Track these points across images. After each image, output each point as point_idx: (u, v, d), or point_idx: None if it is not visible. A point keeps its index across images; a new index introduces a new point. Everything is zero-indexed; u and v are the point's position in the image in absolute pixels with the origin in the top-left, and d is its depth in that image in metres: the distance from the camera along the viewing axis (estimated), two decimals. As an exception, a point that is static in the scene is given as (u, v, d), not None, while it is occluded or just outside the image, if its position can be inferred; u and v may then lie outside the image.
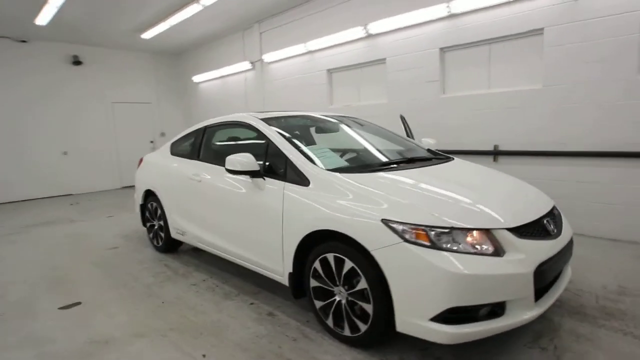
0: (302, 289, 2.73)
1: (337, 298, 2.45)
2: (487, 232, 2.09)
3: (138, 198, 4.76)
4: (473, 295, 1.98)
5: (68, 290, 3.50)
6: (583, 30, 4.22)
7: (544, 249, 2.21)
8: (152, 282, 3.60)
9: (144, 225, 4.76)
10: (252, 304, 3.09)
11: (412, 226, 2.08)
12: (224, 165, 2.96)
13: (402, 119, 4.50)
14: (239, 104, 9.12)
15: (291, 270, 2.70)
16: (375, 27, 5.97)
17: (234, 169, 2.87)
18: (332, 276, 2.44)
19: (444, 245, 2.03)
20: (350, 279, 2.34)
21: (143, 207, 4.70)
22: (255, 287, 3.38)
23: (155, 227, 4.46)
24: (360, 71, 6.60)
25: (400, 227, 2.09)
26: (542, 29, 4.51)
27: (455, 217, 2.12)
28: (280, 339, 2.55)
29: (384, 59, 6.10)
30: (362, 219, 2.23)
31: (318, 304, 2.57)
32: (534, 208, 2.45)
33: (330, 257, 2.41)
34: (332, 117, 3.75)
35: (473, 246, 2.05)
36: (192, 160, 3.84)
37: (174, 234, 4.12)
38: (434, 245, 2.03)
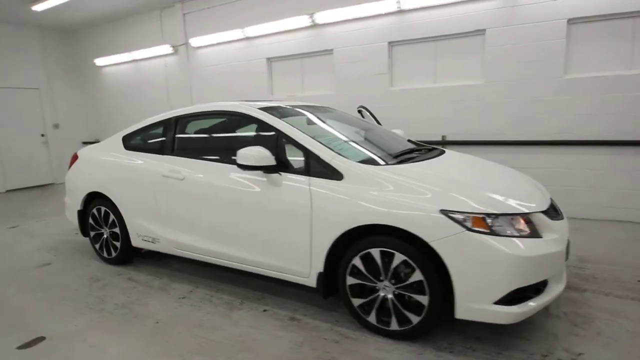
0: (330, 289, 2.61)
1: (382, 293, 2.40)
2: (527, 216, 2.26)
3: (74, 203, 3.98)
4: (532, 275, 2.13)
5: (16, 324, 2.77)
6: (519, 33, 4.79)
7: (564, 227, 2.48)
8: (126, 301, 3.06)
9: (85, 234, 4.00)
10: (265, 310, 2.84)
11: (471, 215, 2.14)
12: (218, 161, 2.72)
13: (365, 109, 4.56)
14: (159, 92, 8.20)
15: (321, 270, 2.55)
16: (322, 16, 5.91)
17: (247, 164, 2.59)
18: (376, 272, 2.38)
19: (499, 231, 2.13)
20: (399, 273, 2.31)
21: (82, 213, 3.94)
22: (256, 292, 3.12)
23: (105, 235, 3.79)
24: (304, 61, 6.47)
25: (460, 217, 2.14)
26: (484, 30, 5.00)
27: (497, 204, 2.23)
28: (322, 344, 2.40)
29: (332, 49, 6.09)
30: (417, 212, 2.21)
31: (356, 301, 2.49)
32: (544, 192, 2.73)
33: (376, 252, 2.35)
34: (310, 106, 3.56)
35: (518, 230, 2.20)
36: (164, 156, 3.33)
37: (136, 242, 3.56)
38: (493, 232, 2.12)
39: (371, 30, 5.72)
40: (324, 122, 3.28)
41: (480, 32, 5.04)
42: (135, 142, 3.67)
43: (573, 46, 4.60)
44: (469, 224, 2.12)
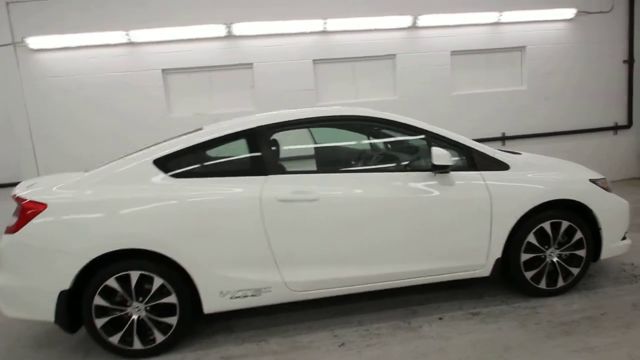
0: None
1: (548, 260, 2.86)
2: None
3: (48, 281, 2.45)
4: (629, 219, 3.10)
5: None
6: (421, 59, 6.07)
7: None
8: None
9: (73, 328, 2.53)
10: (440, 318, 2.75)
11: (600, 180, 2.94)
12: (371, 171, 2.58)
13: None
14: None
15: (499, 257, 2.77)
16: (241, 28, 5.52)
17: (443, 164, 2.54)
18: (545, 243, 2.83)
19: (610, 189, 3.01)
20: (562, 238, 2.85)
21: (72, 294, 2.45)
22: (400, 310, 2.90)
23: (135, 317, 2.50)
24: (214, 74, 5.78)
25: (599, 182, 2.90)
26: (395, 54, 6.04)
27: (594, 174, 3.11)
28: (521, 319, 2.64)
29: (251, 63, 5.75)
30: (576, 185, 2.82)
31: (529, 274, 2.84)
32: None
33: (547, 225, 2.80)
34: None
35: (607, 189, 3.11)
36: (266, 177, 2.57)
37: (217, 305, 2.58)
38: (609, 190, 2.98)
39: (295, 47, 5.80)
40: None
41: (392, 56, 6.05)
42: (191, 165, 2.63)
43: (455, 70, 6.24)
44: (601, 186, 2.91)
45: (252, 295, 2.58)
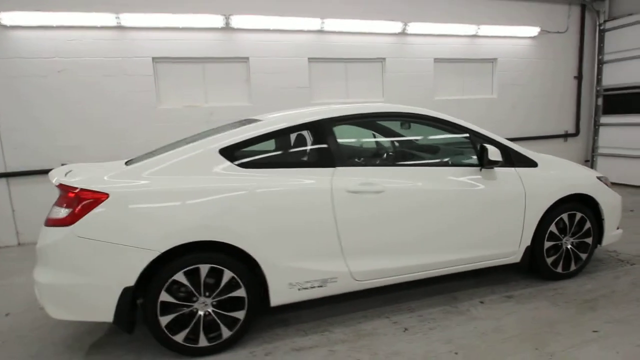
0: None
1: (564, 247, 3.26)
2: None
3: (112, 278, 2.28)
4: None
5: None
6: (407, 65, 6.41)
7: None
8: None
9: (130, 327, 2.39)
10: (482, 302, 3.00)
11: (603, 177, 3.40)
12: (426, 165, 2.79)
13: None
14: None
15: (529, 244, 3.10)
16: (240, 20, 5.41)
17: (498, 160, 2.79)
18: (563, 232, 3.22)
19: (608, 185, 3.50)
20: (575, 226, 3.25)
21: (135, 292, 2.32)
22: (443, 296, 3.10)
23: (201, 313, 2.41)
24: (208, 67, 5.59)
25: (602, 179, 3.36)
26: (384, 58, 6.31)
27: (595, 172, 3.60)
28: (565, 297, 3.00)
29: (247, 57, 5.65)
30: (588, 181, 3.25)
31: (549, 260, 3.21)
32: None
33: (565, 216, 3.19)
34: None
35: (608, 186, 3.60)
36: (334, 168, 2.63)
37: (284, 297, 2.58)
38: (609, 186, 3.47)
39: (292, 44, 5.81)
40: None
41: (382, 59, 6.31)
42: (257, 155, 2.59)
43: (437, 77, 6.66)
44: (605, 183, 3.37)
45: (319, 286, 2.62)
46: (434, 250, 2.86)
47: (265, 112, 4.98)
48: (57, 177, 2.46)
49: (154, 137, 5.28)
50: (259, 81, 5.73)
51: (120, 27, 5.08)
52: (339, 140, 2.74)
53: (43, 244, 2.32)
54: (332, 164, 2.65)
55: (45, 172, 5.01)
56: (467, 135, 3.04)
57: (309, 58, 5.92)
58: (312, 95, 6.06)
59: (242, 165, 2.53)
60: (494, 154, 2.80)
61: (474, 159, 2.96)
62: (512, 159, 3.07)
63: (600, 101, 7.26)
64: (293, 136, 2.77)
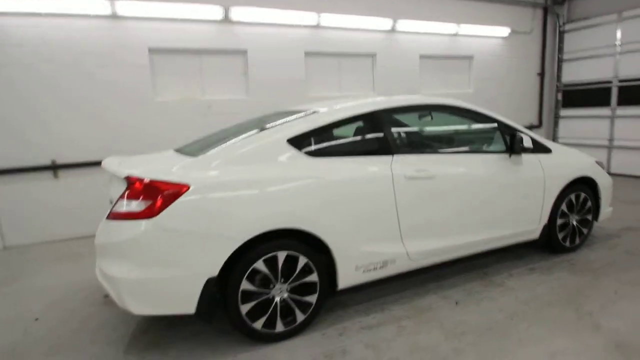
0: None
1: (571, 223, 3.68)
2: None
3: (194, 269, 2.27)
4: (608, 189, 4.12)
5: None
6: (396, 61, 6.69)
7: None
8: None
9: (209, 316, 2.37)
10: (511, 275, 3.31)
11: (599, 161, 3.87)
12: (467, 152, 3.08)
13: None
14: None
15: (546, 222, 3.48)
16: (239, 13, 5.34)
17: (529, 147, 3.10)
18: (572, 209, 3.63)
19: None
20: (580, 205, 3.68)
21: (222, 280, 2.34)
22: (475, 272, 3.39)
23: (277, 298, 2.48)
24: (204, 59, 5.45)
25: (599, 163, 3.83)
26: (375, 54, 6.53)
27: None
28: (582, 267, 3.39)
29: (245, 50, 5.60)
30: (589, 165, 3.70)
31: (560, 235, 3.62)
32: None
33: (573, 196, 3.60)
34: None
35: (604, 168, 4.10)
36: (392, 156, 2.78)
37: (351, 279, 2.72)
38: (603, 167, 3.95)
39: (289, 38, 5.84)
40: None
41: (373, 55, 6.53)
42: (322, 144, 2.67)
43: (422, 72, 7.00)
44: (601, 166, 3.84)
45: (380, 268, 2.76)
46: (473, 230, 3.12)
47: (262, 106, 5.08)
48: (118, 168, 2.38)
49: (150, 129, 5.13)
50: (256, 74, 5.69)
51: (114, 16, 4.81)
52: (400, 130, 2.89)
53: (116, 239, 2.24)
54: (390, 152, 2.80)
55: (32, 169, 4.70)
56: (496, 125, 3.32)
57: (305, 52, 5.98)
58: (307, 88, 6.14)
59: (309, 153, 2.60)
60: (527, 141, 3.12)
61: (501, 146, 3.25)
62: (534, 146, 3.42)
63: (560, 96, 8.06)
64: (353, 126, 2.87)
